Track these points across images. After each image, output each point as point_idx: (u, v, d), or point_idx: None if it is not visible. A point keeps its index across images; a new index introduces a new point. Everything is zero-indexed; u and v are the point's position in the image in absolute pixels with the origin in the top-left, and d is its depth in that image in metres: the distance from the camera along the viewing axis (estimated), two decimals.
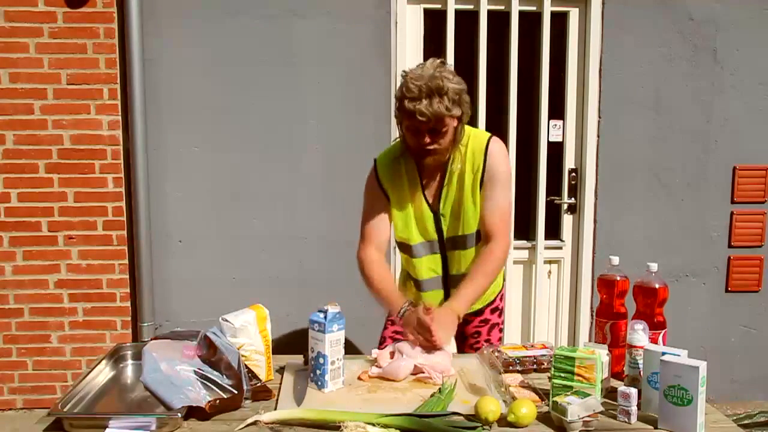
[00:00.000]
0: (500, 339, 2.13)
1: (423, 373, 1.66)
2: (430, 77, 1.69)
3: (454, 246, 1.94)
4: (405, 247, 1.98)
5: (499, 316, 2.12)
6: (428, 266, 1.97)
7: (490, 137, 1.89)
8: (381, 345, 2.02)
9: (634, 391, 1.43)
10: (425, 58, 3.22)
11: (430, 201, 1.91)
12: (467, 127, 1.87)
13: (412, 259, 1.97)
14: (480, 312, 2.06)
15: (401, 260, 2.10)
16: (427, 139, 1.75)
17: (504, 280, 2.16)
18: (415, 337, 1.73)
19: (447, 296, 1.97)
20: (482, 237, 1.91)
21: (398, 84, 1.78)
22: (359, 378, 1.68)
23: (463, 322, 2.01)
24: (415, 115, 1.69)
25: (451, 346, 1.75)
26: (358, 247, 1.97)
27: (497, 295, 2.10)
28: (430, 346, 1.70)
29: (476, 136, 1.90)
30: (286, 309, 3.01)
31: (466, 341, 2.09)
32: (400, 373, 1.65)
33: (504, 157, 1.90)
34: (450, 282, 1.98)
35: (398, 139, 1.93)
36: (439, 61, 1.75)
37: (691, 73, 3.32)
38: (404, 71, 1.76)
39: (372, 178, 1.96)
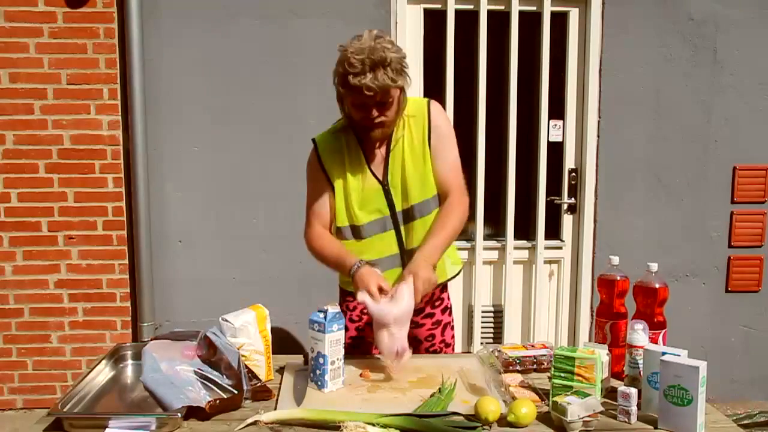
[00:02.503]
0: (453, 336, 2.09)
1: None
2: (371, 49, 1.63)
3: (410, 218, 1.88)
4: (353, 230, 1.89)
5: (450, 314, 2.08)
6: (380, 245, 1.89)
7: (429, 100, 1.89)
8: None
9: (634, 391, 1.43)
10: (425, 58, 3.28)
11: (378, 175, 1.86)
12: None
13: (360, 241, 1.89)
14: (431, 315, 2.02)
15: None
16: (375, 113, 1.72)
17: (460, 272, 2.10)
18: (372, 294, 1.68)
19: None
20: (441, 197, 1.89)
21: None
22: (360, 376, 1.68)
23: (417, 326, 1.98)
24: (362, 90, 1.64)
25: (407, 353, 1.71)
26: (304, 231, 1.92)
27: (443, 292, 2.06)
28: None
29: (414, 101, 1.88)
30: (286, 309, 3.01)
31: (420, 344, 2.04)
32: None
33: (446, 116, 1.92)
34: (407, 257, 1.88)
35: (339, 119, 1.89)
36: (376, 31, 1.71)
37: (691, 73, 3.32)
38: (342, 45, 1.72)
39: (313, 160, 1.91)
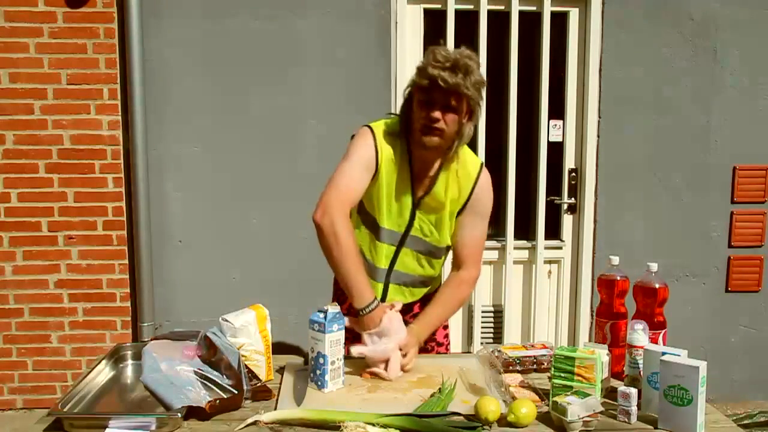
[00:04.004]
0: (446, 336, 2.09)
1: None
2: (460, 55, 1.67)
3: (417, 248, 1.89)
4: (372, 225, 1.88)
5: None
6: (381, 253, 1.88)
7: (482, 165, 1.89)
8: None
9: (634, 391, 1.43)
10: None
11: (415, 195, 1.84)
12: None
13: (375, 241, 1.87)
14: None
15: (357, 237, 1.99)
16: (437, 114, 1.69)
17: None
18: (366, 339, 1.69)
19: (385, 291, 1.91)
20: (455, 263, 1.92)
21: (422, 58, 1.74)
22: (361, 375, 1.68)
23: (406, 325, 1.99)
24: (436, 81, 1.64)
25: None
26: (328, 198, 1.73)
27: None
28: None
29: (471, 156, 1.89)
30: (286, 309, 3.01)
31: None
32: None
33: (491, 191, 1.90)
34: (390, 276, 1.91)
35: (393, 117, 1.86)
36: (470, 51, 1.72)
37: (691, 73, 3.32)
38: (431, 47, 1.73)
39: (369, 143, 1.80)
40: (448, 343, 2.12)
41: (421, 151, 1.78)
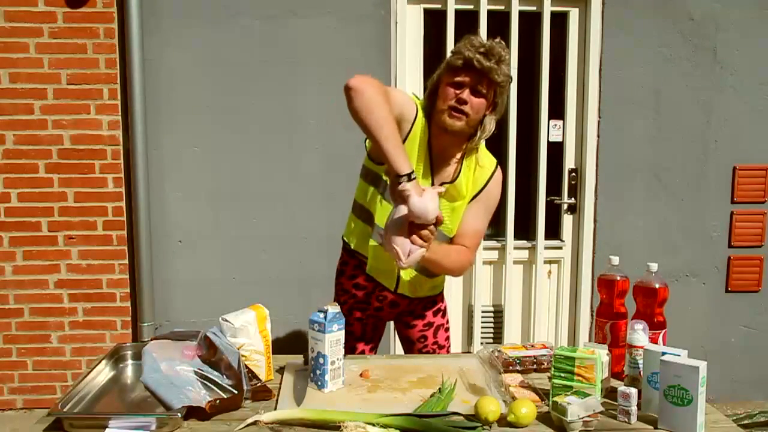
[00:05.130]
0: (447, 338, 2.10)
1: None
2: (496, 45, 1.71)
3: None
4: (367, 215, 1.85)
5: (443, 317, 2.09)
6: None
7: (497, 164, 1.91)
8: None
9: (634, 391, 1.43)
10: (425, 58, 3.28)
11: (435, 181, 1.82)
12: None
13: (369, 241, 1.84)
14: (422, 316, 2.04)
15: (352, 230, 1.95)
16: (466, 95, 1.70)
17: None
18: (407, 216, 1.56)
19: (398, 280, 1.89)
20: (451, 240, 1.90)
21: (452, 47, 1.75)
22: (360, 375, 1.68)
23: (408, 326, 2.03)
24: (471, 62, 1.67)
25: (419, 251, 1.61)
26: (357, 77, 1.59)
27: (437, 296, 2.07)
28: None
29: (488, 155, 1.90)
30: (286, 309, 3.01)
31: (413, 346, 2.06)
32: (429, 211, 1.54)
33: (500, 189, 1.92)
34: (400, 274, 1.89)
35: (419, 99, 1.84)
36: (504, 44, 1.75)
37: (691, 73, 3.32)
38: (468, 34, 1.76)
39: (413, 109, 1.76)
40: (449, 346, 2.12)
41: (442, 137, 1.77)
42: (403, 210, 1.55)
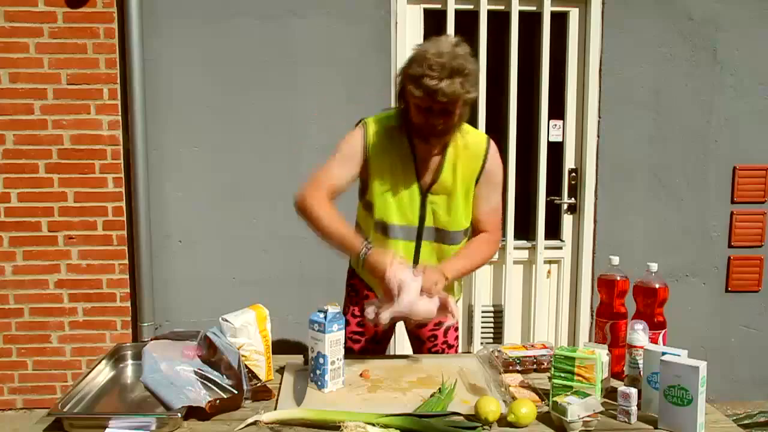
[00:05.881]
0: (456, 338, 2.09)
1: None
2: (451, 56, 1.59)
3: (434, 238, 1.86)
4: (382, 227, 1.86)
5: (453, 317, 2.09)
6: (405, 253, 1.86)
7: (488, 138, 1.88)
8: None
9: (634, 391, 1.43)
10: None
11: (423, 184, 1.82)
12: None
13: (388, 240, 1.85)
14: None
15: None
16: (439, 120, 1.67)
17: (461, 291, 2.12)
18: (387, 288, 1.62)
19: None
20: (474, 232, 1.91)
21: (409, 57, 1.68)
22: (360, 375, 1.68)
23: (419, 326, 2.01)
24: (436, 95, 1.58)
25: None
26: (302, 190, 1.78)
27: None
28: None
29: (474, 132, 1.88)
30: (286, 309, 3.01)
31: (423, 345, 2.05)
32: (420, 309, 1.61)
33: (500, 161, 1.90)
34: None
35: (391, 110, 1.83)
36: (453, 38, 1.66)
37: (691, 73, 3.32)
38: (419, 45, 1.67)
39: (358, 139, 1.81)
40: (458, 345, 2.12)
41: (427, 139, 1.77)
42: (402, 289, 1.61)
